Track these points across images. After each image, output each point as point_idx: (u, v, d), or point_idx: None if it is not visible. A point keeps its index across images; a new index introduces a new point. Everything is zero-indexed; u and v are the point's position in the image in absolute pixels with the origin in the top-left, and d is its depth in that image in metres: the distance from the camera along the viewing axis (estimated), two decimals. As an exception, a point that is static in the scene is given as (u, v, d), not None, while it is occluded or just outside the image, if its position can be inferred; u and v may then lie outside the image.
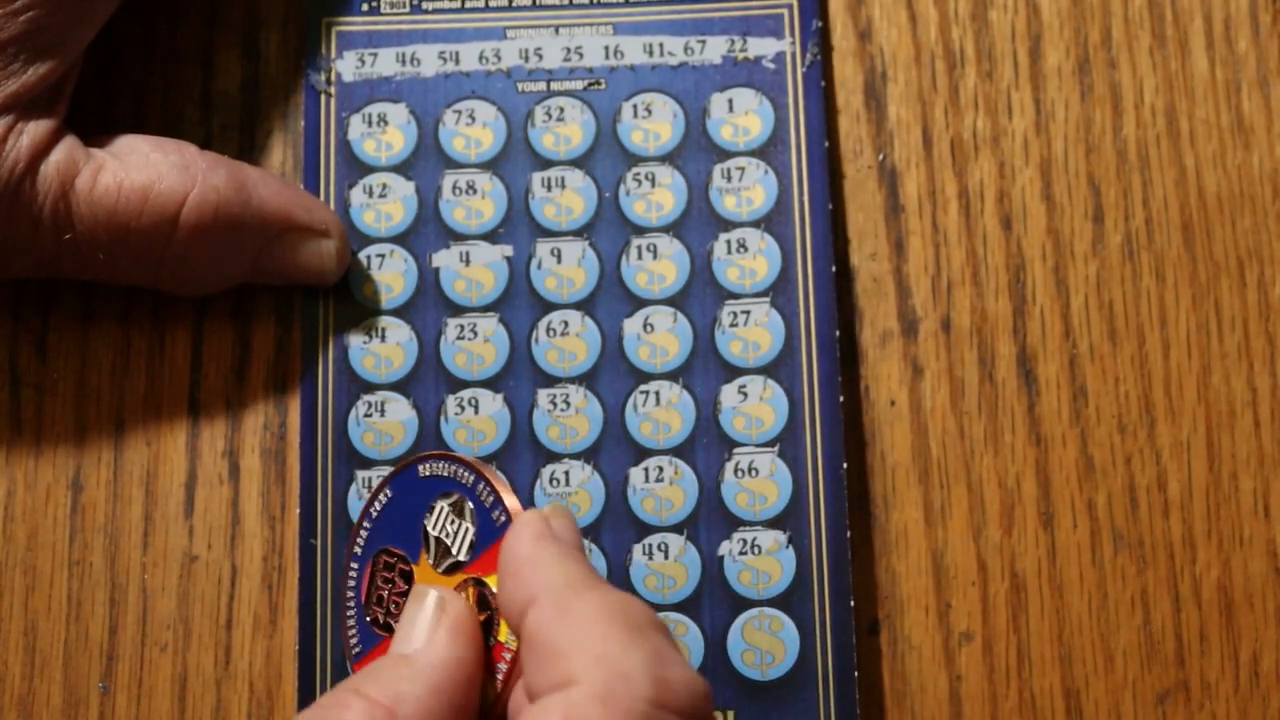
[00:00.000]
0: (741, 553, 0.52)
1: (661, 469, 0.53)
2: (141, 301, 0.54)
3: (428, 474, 0.46)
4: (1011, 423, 0.54)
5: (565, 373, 0.53)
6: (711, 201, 0.54)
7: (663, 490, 0.52)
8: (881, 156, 0.55)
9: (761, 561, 0.52)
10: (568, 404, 0.53)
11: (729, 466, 0.53)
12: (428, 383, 0.53)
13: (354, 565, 0.47)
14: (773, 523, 0.52)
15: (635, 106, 0.55)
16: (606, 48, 0.55)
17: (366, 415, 0.53)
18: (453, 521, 0.45)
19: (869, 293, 0.55)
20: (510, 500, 0.44)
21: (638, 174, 0.55)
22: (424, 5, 0.56)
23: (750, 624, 0.51)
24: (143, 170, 0.50)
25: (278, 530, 0.53)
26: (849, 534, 0.52)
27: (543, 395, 0.53)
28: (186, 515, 0.53)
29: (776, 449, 0.53)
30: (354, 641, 0.47)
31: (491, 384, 0.53)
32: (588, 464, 0.53)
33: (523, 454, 0.53)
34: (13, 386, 0.54)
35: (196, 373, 0.54)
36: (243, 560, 0.52)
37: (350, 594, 0.47)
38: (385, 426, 0.53)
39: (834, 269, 0.54)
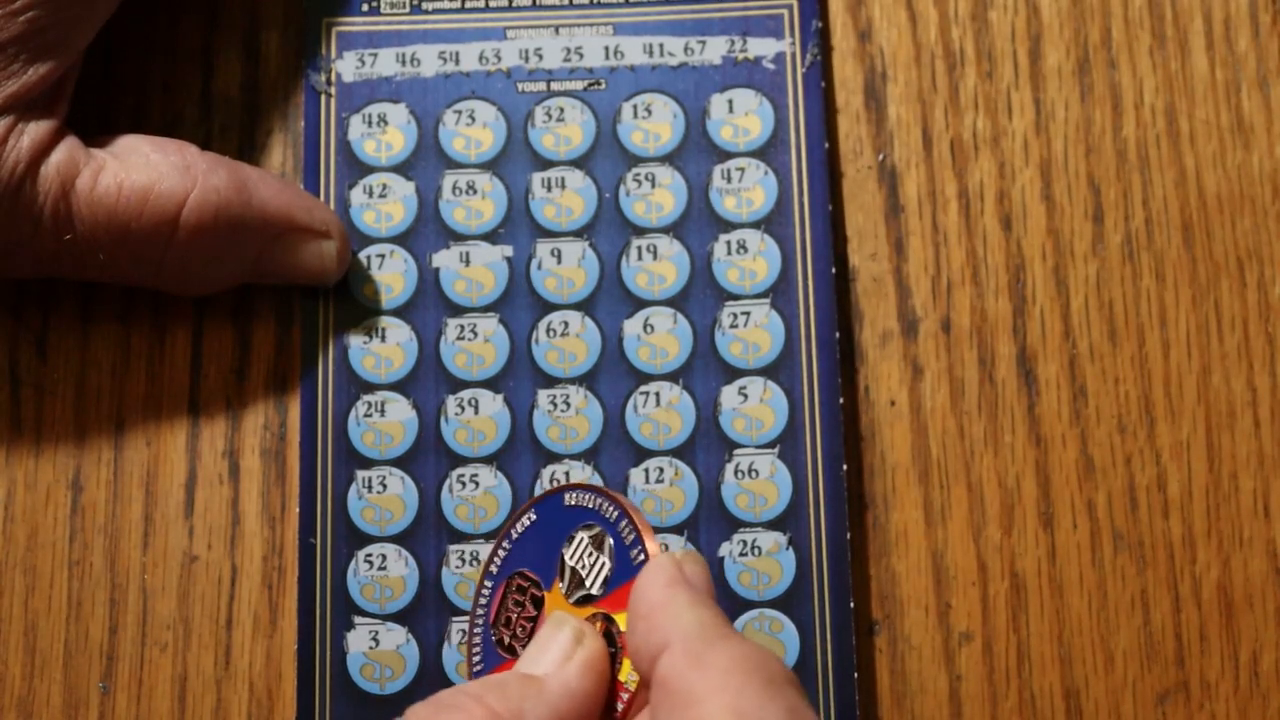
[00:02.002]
0: (742, 554, 0.52)
1: (662, 470, 0.53)
2: (141, 301, 0.54)
3: (572, 503, 0.45)
4: (1011, 423, 0.54)
5: (565, 373, 0.53)
6: (711, 202, 0.54)
7: (663, 491, 0.52)
8: (881, 157, 0.55)
9: (761, 563, 0.52)
10: (568, 404, 0.53)
11: (729, 468, 0.53)
12: (428, 383, 0.53)
13: (488, 584, 0.47)
14: (773, 524, 0.52)
15: (635, 107, 0.55)
16: (606, 48, 0.55)
17: (366, 415, 0.53)
18: (590, 554, 0.44)
19: (869, 293, 0.55)
20: (651, 543, 0.43)
21: (638, 174, 0.55)
22: (424, 5, 0.56)
23: (750, 625, 0.51)
24: (143, 171, 0.50)
25: (278, 530, 0.53)
26: (849, 534, 0.52)
27: (543, 396, 0.53)
28: (186, 515, 0.53)
29: (776, 450, 0.53)
30: (477, 658, 0.46)
31: (491, 384, 0.53)
32: (588, 465, 0.53)
33: (523, 454, 0.53)
34: (13, 386, 0.54)
35: (196, 373, 0.54)
36: (243, 560, 0.52)
37: (480, 611, 0.47)
38: (385, 426, 0.53)
39: (834, 269, 0.54)
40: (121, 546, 0.53)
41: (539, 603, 0.45)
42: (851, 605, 0.51)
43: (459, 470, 0.53)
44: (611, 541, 0.44)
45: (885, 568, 0.53)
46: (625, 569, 0.44)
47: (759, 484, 0.52)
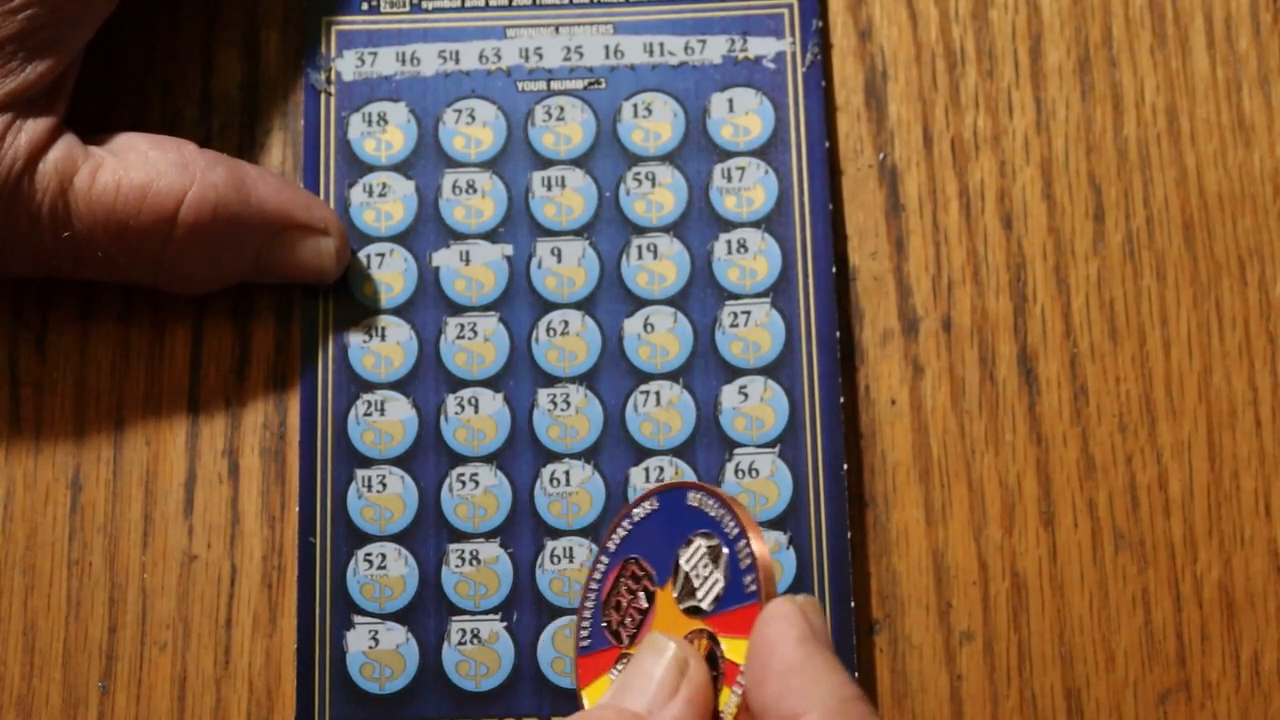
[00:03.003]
0: (742, 553, 0.52)
1: (662, 469, 0.53)
2: (141, 301, 0.54)
3: (695, 504, 0.45)
4: (1012, 422, 0.53)
5: (565, 372, 0.53)
6: (712, 201, 0.54)
7: (663, 491, 0.52)
8: (882, 156, 0.55)
9: (762, 562, 0.52)
10: (568, 404, 0.53)
11: (729, 467, 0.53)
12: (428, 382, 0.53)
13: (604, 560, 0.46)
14: (773, 524, 0.52)
15: (635, 106, 0.55)
16: (606, 47, 0.55)
17: (366, 414, 0.53)
18: (706, 565, 0.44)
19: (869, 292, 0.54)
20: (765, 571, 0.43)
21: (638, 174, 0.54)
22: (424, 4, 0.56)
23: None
24: (141, 168, 0.50)
25: (277, 530, 0.53)
26: (849, 534, 0.52)
27: (543, 395, 0.53)
28: (186, 515, 0.53)
29: (777, 450, 0.53)
30: (585, 634, 0.46)
31: (491, 383, 0.53)
32: (588, 464, 0.53)
33: (523, 453, 0.53)
34: (12, 386, 0.54)
35: (196, 372, 0.54)
36: (242, 560, 0.52)
37: (594, 586, 0.46)
38: (385, 426, 0.53)
39: (834, 269, 0.54)
40: (121, 546, 0.53)
41: (651, 597, 0.45)
42: (852, 605, 0.51)
43: (459, 469, 0.52)
44: (728, 558, 0.43)
45: (886, 567, 0.53)
46: (738, 593, 0.43)
47: (759, 483, 0.52)
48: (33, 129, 0.49)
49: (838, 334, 0.53)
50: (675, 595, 0.44)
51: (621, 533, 0.46)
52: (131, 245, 0.50)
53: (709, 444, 0.53)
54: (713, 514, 0.44)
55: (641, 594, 0.45)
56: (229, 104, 0.55)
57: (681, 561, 0.44)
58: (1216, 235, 0.55)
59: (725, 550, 0.43)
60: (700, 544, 0.44)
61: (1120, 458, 0.53)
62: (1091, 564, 0.53)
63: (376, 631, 0.51)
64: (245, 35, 0.56)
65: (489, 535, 0.52)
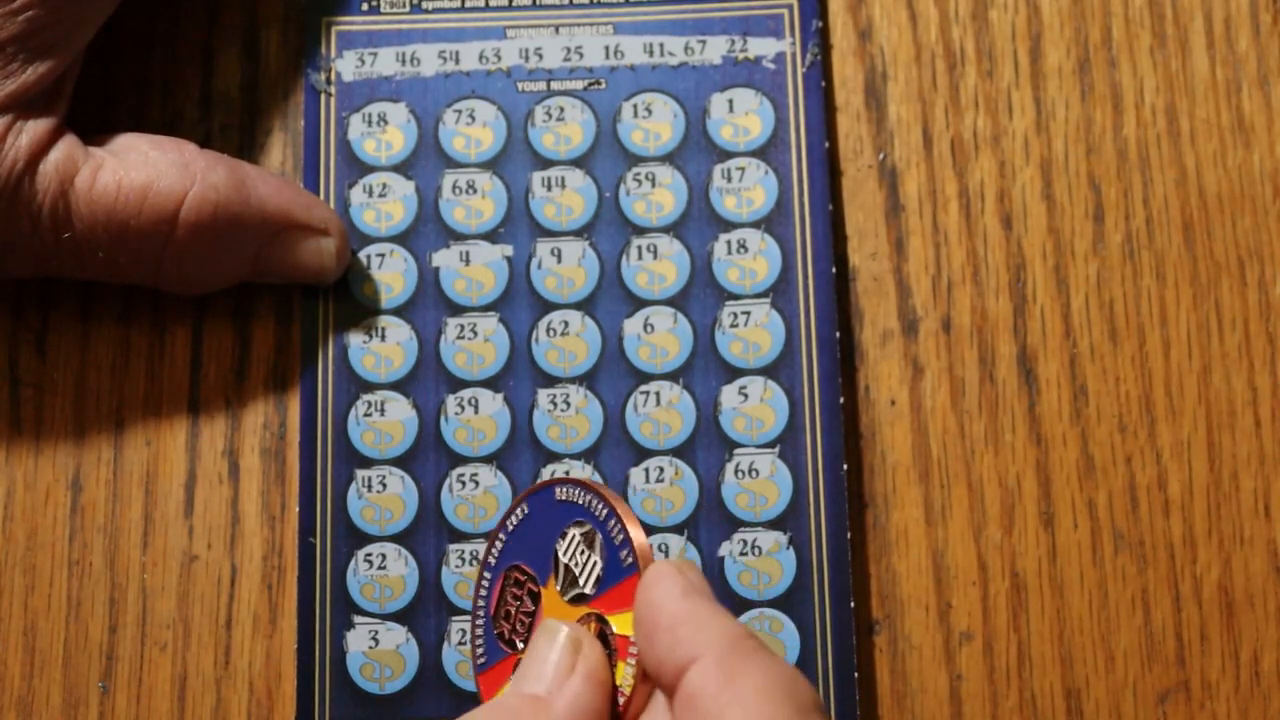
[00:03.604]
0: (742, 554, 0.52)
1: (662, 469, 0.53)
2: (141, 301, 0.54)
3: (563, 498, 0.45)
4: (1012, 422, 0.54)
5: (565, 373, 0.53)
6: (712, 202, 0.54)
7: (663, 491, 0.52)
8: (882, 156, 0.55)
9: (762, 563, 0.52)
10: (568, 404, 0.53)
11: (729, 467, 0.53)
12: (428, 382, 0.53)
13: (487, 575, 0.47)
14: (773, 524, 0.52)
15: (635, 106, 0.55)
16: (606, 47, 0.55)
17: (366, 415, 0.53)
18: (582, 552, 0.44)
19: (869, 293, 0.55)
20: (639, 541, 0.43)
21: (638, 174, 0.55)
22: (424, 5, 0.56)
23: (750, 625, 0.51)
24: (142, 169, 0.50)
25: (277, 530, 0.53)
26: (849, 534, 0.52)
27: (543, 395, 0.53)
28: (186, 515, 0.53)
29: (777, 450, 0.53)
30: (480, 652, 0.47)
31: (491, 384, 0.53)
32: (588, 464, 0.53)
33: (523, 454, 0.53)
34: (12, 386, 0.54)
35: (196, 372, 0.54)
36: (242, 560, 0.52)
37: (481, 604, 0.47)
38: (385, 426, 0.53)
39: (834, 269, 0.54)
40: (121, 546, 0.53)
41: (536, 598, 0.45)
42: (852, 605, 0.51)
43: (459, 470, 0.52)
44: (601, 539, 0.44)
45: (885, 567, 0.53)
46: (616, 569, 0.44)
47: (759, 483, 0.52)
48: (33, 130, 0.49)
49: (838, 334, 0.53)
50: (559, 588, 0.45)
51: (499, 545, 0.47)
52: (132, 246, 0.50)
53: (709, 444, 0.53)
54: (580, 502, 0.45)
55: (526, 596, 0.46)
56: (229, 104, 0.55)
57: (560, 555, 0.45)
58: (1216, 235, 0.55)
59: (598, 533, 0.44)
60: (574, 533, 0.45)
61: (1120, 458, 0.53)
62: (1091, 564, 0.53)
63: (376, 631, 0.51)
64: (245, 35, 0.56)
65: (489, 536, 0.52)
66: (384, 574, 0.52)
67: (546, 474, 0.52)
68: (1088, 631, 0.52)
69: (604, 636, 0.43)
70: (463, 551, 0.52)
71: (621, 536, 0.44)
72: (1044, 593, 0.52)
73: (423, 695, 0.51)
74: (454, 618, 0.52)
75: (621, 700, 0.43)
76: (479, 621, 0.47)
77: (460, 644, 0.51)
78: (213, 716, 0.51)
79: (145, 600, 0.52)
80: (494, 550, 0.47)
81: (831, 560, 0.52)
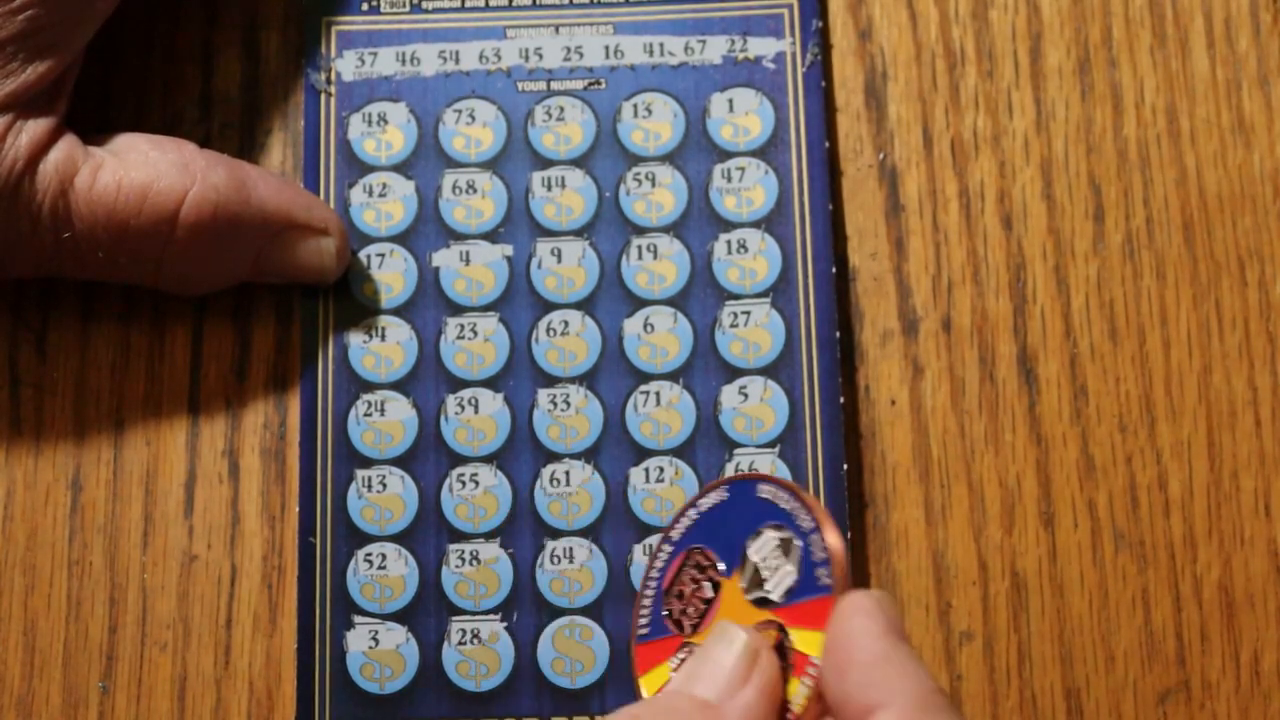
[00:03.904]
0: (742, 553, 0.52)
1: (662, 469, 0.53)
2: (141, 301, 0.54)
3: (766, 496, 0.44)
4: (1012, 422, 0.54)
5: (565, 373, 0.53)
6: (712, 202, 0.54)
7: (663, 491, 0.52)
8: (882, 156, 0.55)
9: (762, 561, 0.52)
10: (568, 404, 0.53)
11: (729, 468, 0.53)
12: (428, 382, 0.53)
13: (666, 548, 0.46)
14: (773, 523, 0.52)
15: (635, 106, 0.55)
16: (606, 47, 0.55)
17: (366, 414, 0.53)
18: (777, 557, 0.44)
19: (869, 292, 0.55)
20: (842, 564, 0.43)
21: (638, 174, 0.55)
22: (424, 4, 0.56)
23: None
24: (142, 169, 0.50)
25: (277, 530, 0.53)
26: (849, 534, 0.52)
27: (543, 395, 0.53)
28: (186, 515, 0.53)
29: (777, 450, 0.53)
30: (643, 622, 0.46)
31: (491, 384, 0.53)
32: (588, 464, 0.53)
33: (523, 454, 0.53)
34: (12, 386, 0.54)
35: (196, 372, 0.54)
36: (242, 560, 0.52)
37: (654, 574, 0.46)
38: (385, 426, 0.53)
39: (834, 269, 0.54)
40: (121, 546, 0.53)
41: (716, 587, 0.45)
42: (852, 605, 0.51)
43: (459, 469, 0.52)
44: (800, 551, 0.43)
45: (885, 567, 0.53)
46: (809, 585, 0.43)
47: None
48: (33, 129, 0.49)
49: (838, 334, 0.53)
50: (743, 585, 0.44)
51: (686, 522, 0.46)
52: (132, 245, 0.50)
53: (709, 444, 0.53)
54: (785, 506, 0.44)
55: (706, 584, 0.45)
56: (229, 104, 0.55)
57: (750, 552, 0.44)
58: (1216, 235, 0.55)
59: (798, 543, 0.43)
60: (771, 535, 0.44)
61: (1120, 458, 0.53)
62: (1091, 564, 0.53)
63: (376, 631, 0.51)
64: (245, 35, 0.56)
65: (489, 535, 0.52)
66: (384, 574, 0.52)
67: (546, 474, 0.52)
68: (1088, 631, 0.52)
69: (780, 647, 0.43)
70: (463, 551, 0.52)
71: (823, 555, 0.43)
72: (1044, 593, 0.52)
73: (423, 695, 0.51)
74: (454, 618, 0.52)
75: (790, 717, 0.42)
76: (648, 592, 0.46)
77: (461, 644, 0.51)
78: (213, 716, 0.51)
79: (145, 600, 0.52)
80: (679, 525, 0.46)
81: (832, 560, 0.52)
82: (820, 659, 0.42)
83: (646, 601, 0.46)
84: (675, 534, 0.46)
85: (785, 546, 0.44)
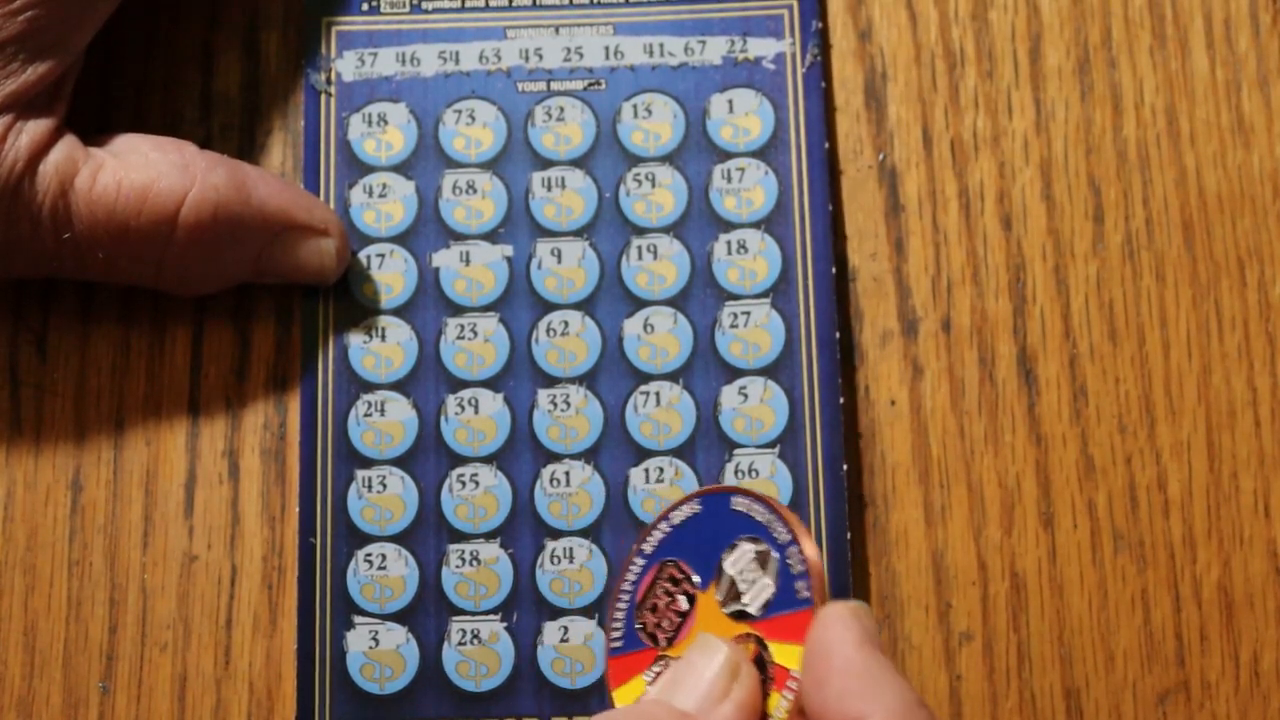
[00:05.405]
0: (742, 553, 0.52)
1: (662, 470, 0.53)
2: (141, 301, 0.54)
3: (741, 509, 0.44)
4: (1012, 422, 0.54)
5: (565, 373, 0.53)
6: (711, 202, 0.54)
7: (663, 491, 0.52)
8: (882, 156, 0.55)
9: (762, 562, 0.52)
10: (568, 404, 0.53)
11: (729, 468, 0.53)
12: (428, 382, 0.53)
13: (638, 561, 0.46)
14: (773, 523, 0.52)
15: (635, 107, 0.55)
16: (607, 48, 0.55)
17: (366, 415, 0.53)
18: (754, 570, 0.43)
19: (869, 293, 0.55)
20: (818, 577, 0.42)
21: (638, 174, 0.55)
22: (424, 5, 0.56)
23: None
24: (142, 169, 0.50)
25: (277, 530, 0.53)
26: (849, 534, 0.52)
27: (543, 395, 0.53)
28: (186, 515, 0.53)
29: (777, 450, 0.53)
30: (616, 635, 0.46)
31: (491, 384, 0.53)
32: (588, 464, 0.53)
33: (523, 454, 0.53)
34: (13, 386, 0.54)
35: (196, 373, 0.54)
36: (242, 560, 0.52)
37: (627, 588, 0.46)
38: (385, 426, 0.53)
39: (834, 269, 0.54)
40: (121, 546, 0.53)
41: (691, 600, 0.45)
42: (852, 605, 0.51)
43: (459, 470, 0.53)
44: (777, 564, 0.43)
45: (885, 568, 0.53)
46: (788, 598, 0.43)
47: (759, 484, 0.52)
48: (33, 130, 0.49)
49: (837, 334, 0.53)
50: (719, 599, 0.44)
51: (658, 535, 0.46)
52: (132, 246, 0.50)
53: (709, 444, 0.53)
54: (760, 519, 0.44)
55: (681, 597, 0.45)
56: (229, 104, 0.56)
57: (726, 565, 0.44)
58: (1216, 236, 0.55)
59: (775, 555, 0.43)
60: (746, 548, 0.44)
61: (1120, 458, 0.53)
62: (1091, 564, 0.53)
63: (377, 632, 0.51)
64: (245, 35, 0.56)
65: (489, 536, 0.52)
66: (384, 574, 0.52)
67: (546, 474, 0.52)
68: (1088, 631, 0.52)
69: (760, 661, 0.43)
70: (463, 551, 0.52)
71: (801, 568, 0.43)
72: (1044, 593, 0.52)
73: (423, 695, 0.51)
74: (454, 618, 0.52)
75: None
76: (620, 604, 0.46)
77: (461, 644, 0.51)
78: (213, 716, 0.52)
79: (145, 600, 0.52)
80: (651, 537, 0.46)
81: (831, 560, 0.52)
82: (800, 672, 0.42)
83: (619, 614, 0.46)
84: (647, 547, 0.46)
85: (762, 559, 0.43)
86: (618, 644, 0.46)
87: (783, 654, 0.42)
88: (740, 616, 0.44)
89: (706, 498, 0.45)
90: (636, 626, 0.45)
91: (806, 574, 0.42)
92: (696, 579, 0.45)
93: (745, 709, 0.42)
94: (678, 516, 0.46)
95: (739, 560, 0.44)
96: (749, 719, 0.42)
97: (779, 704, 0.42)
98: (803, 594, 0.42)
